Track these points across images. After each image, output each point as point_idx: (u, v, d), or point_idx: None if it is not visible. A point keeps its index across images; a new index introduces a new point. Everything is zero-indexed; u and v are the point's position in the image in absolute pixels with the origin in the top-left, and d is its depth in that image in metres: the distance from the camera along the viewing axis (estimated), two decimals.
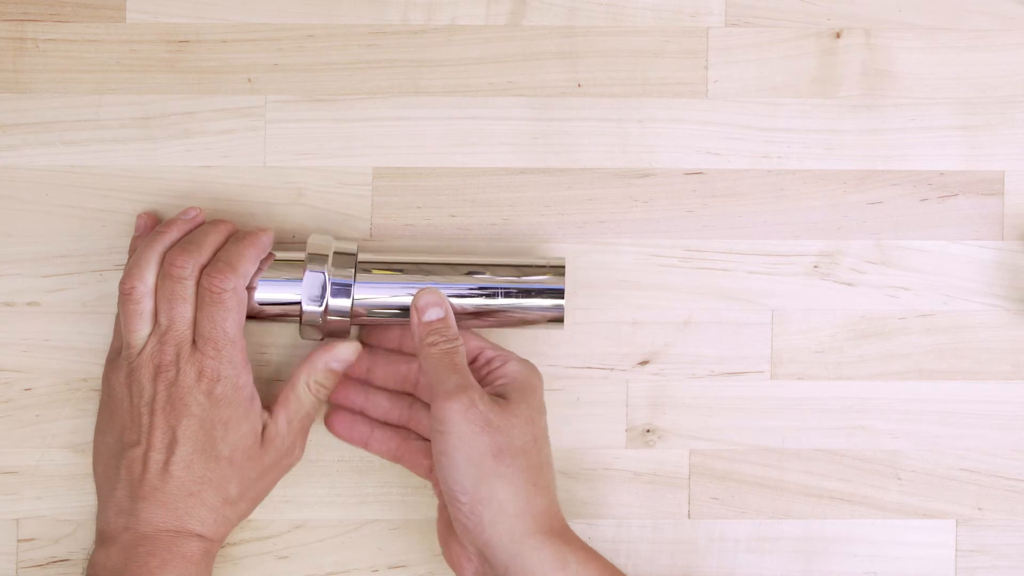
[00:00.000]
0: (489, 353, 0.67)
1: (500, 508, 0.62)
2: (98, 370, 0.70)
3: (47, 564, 0.70)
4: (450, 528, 0.65)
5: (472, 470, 0.62)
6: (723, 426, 0.71)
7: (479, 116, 0.71)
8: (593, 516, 0.71)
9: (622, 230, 0.71)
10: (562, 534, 0.64)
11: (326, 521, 0.71)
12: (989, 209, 0.72)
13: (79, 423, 0.70)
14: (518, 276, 0.67)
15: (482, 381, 0.66)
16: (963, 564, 0.71)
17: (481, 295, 0.67)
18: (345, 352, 0.67)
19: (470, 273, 0.67)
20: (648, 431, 0.71)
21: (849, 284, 0.71)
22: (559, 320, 0.67)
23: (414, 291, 0.66)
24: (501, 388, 0.65)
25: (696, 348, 0.71)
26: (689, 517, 0.71)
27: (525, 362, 0.67)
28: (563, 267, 0.67)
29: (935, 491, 0.71)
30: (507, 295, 0.67)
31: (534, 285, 0.67)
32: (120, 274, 0.70)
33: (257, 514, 0.70)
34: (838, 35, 0.71)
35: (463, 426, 0.62)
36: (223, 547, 0.70)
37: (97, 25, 0.71)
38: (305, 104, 0.71)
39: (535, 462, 0.64)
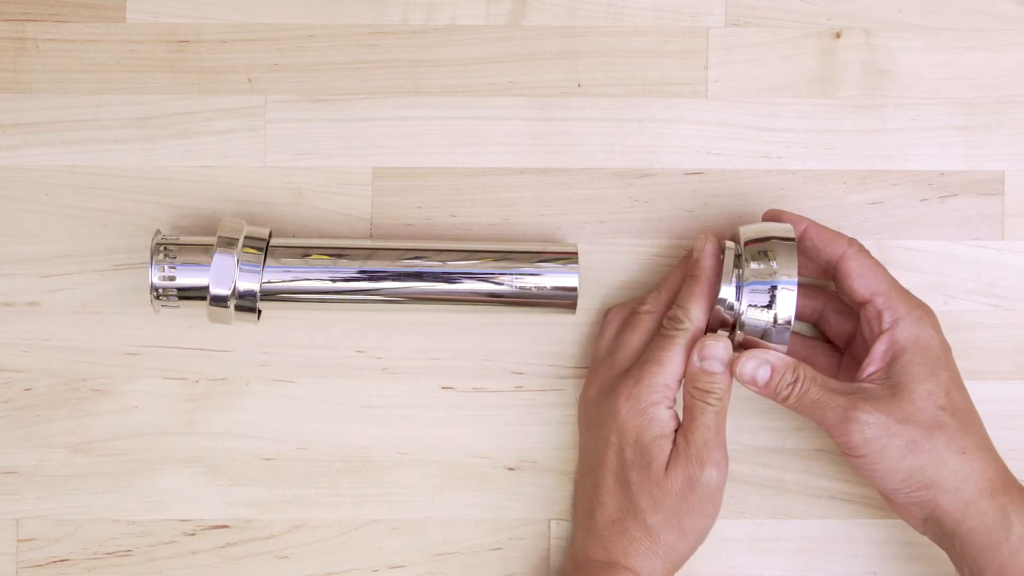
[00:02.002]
0: (880, 304, 0.65)
1: (937, 487, 0.63)
2: (98, 370, 0.70)
3: (47, 564, 0.70)
4: (894, 502, 0.66)
5: (897, 473, 0.63)
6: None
7: (479, 116, 0.71)
8: None
9: (622, 230, 0.71)
10: (1006, 492, 0.63)
11: (326, 521, 0.71)
12: (989, 209, 0.71)
13: (79, 423, 0.70)
14: (530, 263, 0.67)
15: (874, 339, 0.64)
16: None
17: (492, 282, 0.67)
18: (714, 347, 0.64)
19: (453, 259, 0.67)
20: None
21: None
22: (571, 306, 0.67)
23: (324, 276, 0.66)
24: (888, 358, 0.64)
25: None
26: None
27: (915, 312, 0.65)
28: (575, 253, 0.67)
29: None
30: (519, 281, 0.67)
31: (547, 270, 0.67)
32: (120, 274, 0.70)
33: (257, 514, 0.70)
34: (838, 35, 0.71)
35: (869, 446, 0.62)
36: (223, 547, 0.70)
37: (97, 25, 0.71)
38: (305, 104, 0.71)
39: (953, 430, 0.63)
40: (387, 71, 0.71)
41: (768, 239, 0.64)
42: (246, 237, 0.66)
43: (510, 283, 0.67)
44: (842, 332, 0.69)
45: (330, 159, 0.71)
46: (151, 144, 0.71)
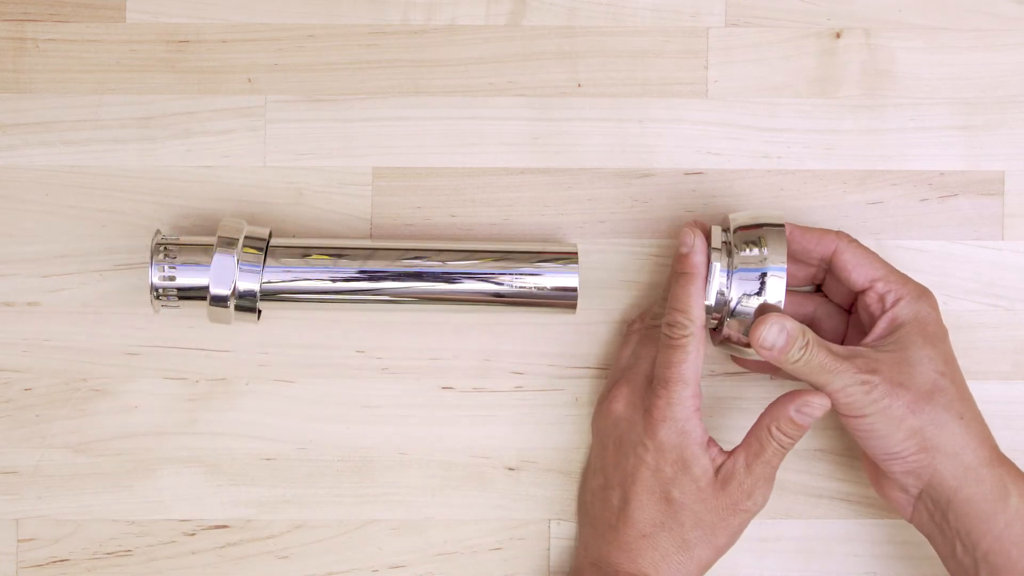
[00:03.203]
0: (880, 289, 0.66)
1: (936, 450, 0.63)
2: (98, 370, 0.70)
3: (47, 564, 0.70)
4: (884, 476, 0.66)
5: (898, 433, 0.63)
6: (723, 426, 0.71)
7: (479, 116, 0.71)
8: None
9: (622, 230, 0.71)
10: (1002, 462, 0.64)
11: (326, 521, 0.71)
12: (989, 209, 0.71)
13: (79, 423, 0.70)
14: (530, 263, 0.67)
15: (874, 322, 0.65)
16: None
17: (492, 282, 0.67)
18: (813, 406, 0.64)
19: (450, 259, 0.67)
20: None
21: None
22: (572, 306, 0.67)
23: (324, 275, 0.66)
24: (888, 331, 0.65)
25: None
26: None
27: (914, 292, 0.66)
28: (575, 253, 0.67)
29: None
30: (519, 281, 0.67)
31: (547, 270, 0.67)
32: (120, 274, 0.70)
33: (257, 514, 0.70)
34: (838, 35, 0.71)
35: (874, 406, 0.63)
36: (223, 547, 0.70)
37: (97, 25, 0.71)
38: (305, 104, 0.71)
39: (953, 395, 0.64)
40: (387, 71, 0.71)
41: (759, 226, 0.65)
42: (246, 237, 0.66)
43: (510, 283, 0.67)
44: (835, 334, 0.69)
45: (330, 159, 0.71)
46: (151, 144, 0.71)
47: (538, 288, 0.67)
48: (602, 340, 0.71)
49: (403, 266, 0.67)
